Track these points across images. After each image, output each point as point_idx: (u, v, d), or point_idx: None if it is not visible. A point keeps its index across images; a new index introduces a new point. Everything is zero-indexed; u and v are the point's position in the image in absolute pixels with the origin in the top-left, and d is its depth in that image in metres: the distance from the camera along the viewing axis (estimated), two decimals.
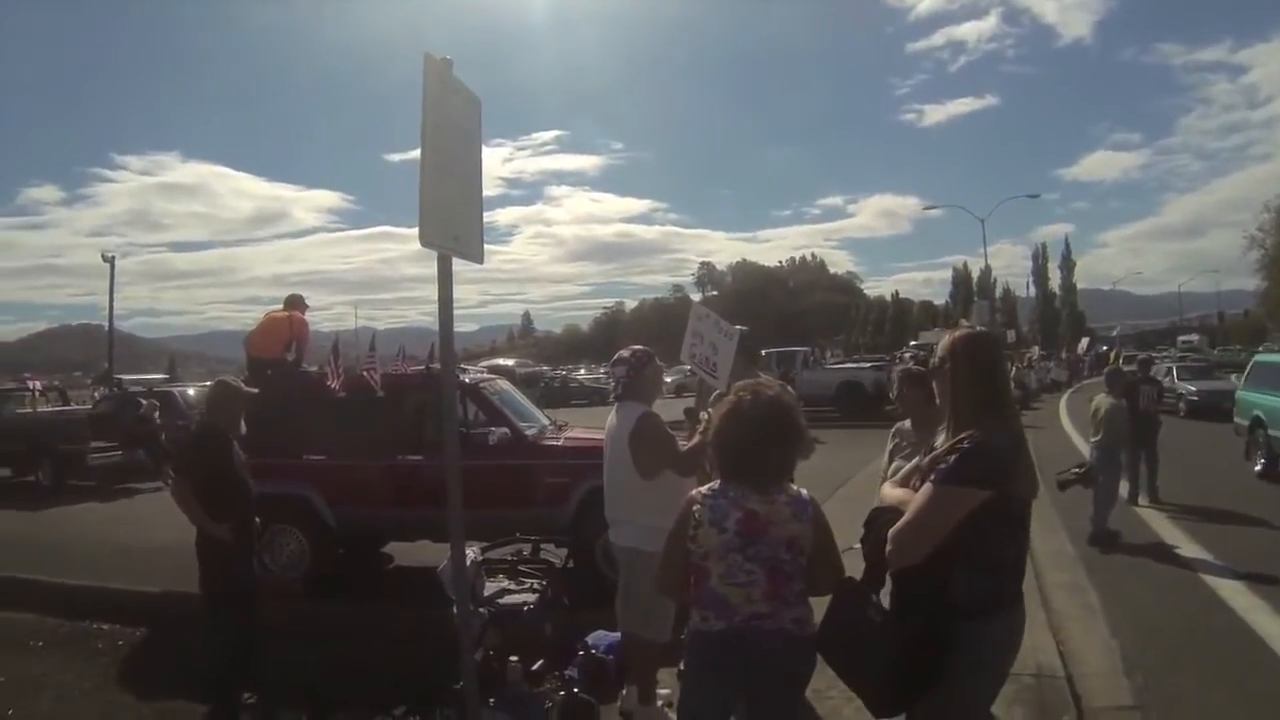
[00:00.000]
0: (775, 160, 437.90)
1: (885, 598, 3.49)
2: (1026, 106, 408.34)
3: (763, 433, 3.67)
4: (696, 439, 5.33)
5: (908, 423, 6.13)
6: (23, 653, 8.21)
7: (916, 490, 3.28)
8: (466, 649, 4.87)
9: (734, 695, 3.77)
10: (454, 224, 4.55)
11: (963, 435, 3.20)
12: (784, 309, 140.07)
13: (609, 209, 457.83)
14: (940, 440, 3.42)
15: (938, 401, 3.56)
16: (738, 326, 6.77)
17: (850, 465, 14.94)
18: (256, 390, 7.15)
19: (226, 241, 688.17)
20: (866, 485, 13.15)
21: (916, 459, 3.70)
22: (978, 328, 3.81)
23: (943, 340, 3.60)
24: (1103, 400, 11.67)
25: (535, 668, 6.11)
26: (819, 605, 3.63)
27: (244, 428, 7.07)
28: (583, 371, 71.31)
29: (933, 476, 3.18)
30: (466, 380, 9.90)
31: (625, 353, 5.86)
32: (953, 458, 3.15)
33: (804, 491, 3.72)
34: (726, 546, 3.59)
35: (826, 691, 5.42)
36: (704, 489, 3.78)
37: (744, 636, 3.58)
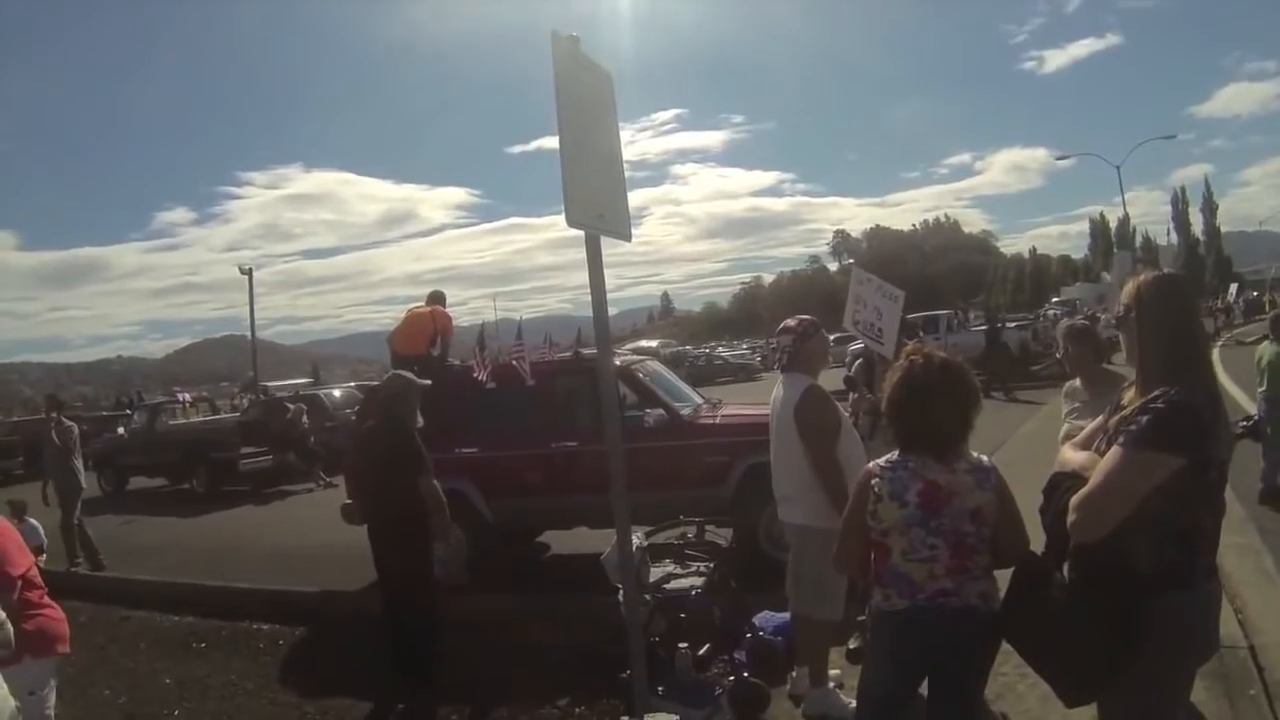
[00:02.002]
0: (898, 121, 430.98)
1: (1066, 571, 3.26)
2: (1151, 42, 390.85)
3: (938, 397, 3.49)
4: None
5: (1078, 381, 5.86)
6: (187, 654, 8.40)
7: (1101, 454, 3.01)
8: (633, 637, 4.78)
9: (919, 675, 3.65)
10: (598, 203, 4.47)
11: (1155, 394, 2.90)
12: (921, 273, 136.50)
13: (737, 184, 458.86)
14: (1128, 397, 3.14)
15: (1112, 356, 3.31)
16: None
17: (1003, 427, 14.57)
18: (429, 382, 7.18)
19: (358, 245, 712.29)
20: (1022, 448, 12.82)
21: (1100, 418, 3.37)
22: (1166, 270, 3.49)
23: (1127, 286, 3.27)
24: (1266, 348, 11.03)
25: (703, 653, 6.01)
26: (1003, 580, 3.44)
27: (420, 420, 7.14)
28: (721, 348, 71.09)
29: (1121, 440, 2.88)
30: (619, 364, 9.77)
31: (791, 322, 5.65)
32: (1144, 419, 2.85)
33: (985, 458, 3.55)
34: (908, 521, 3.44)
35: (999, 667, 5.14)
36: (882, 461, 3.62)
37: (929, 614, 3.44)
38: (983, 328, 32.87)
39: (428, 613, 6.84)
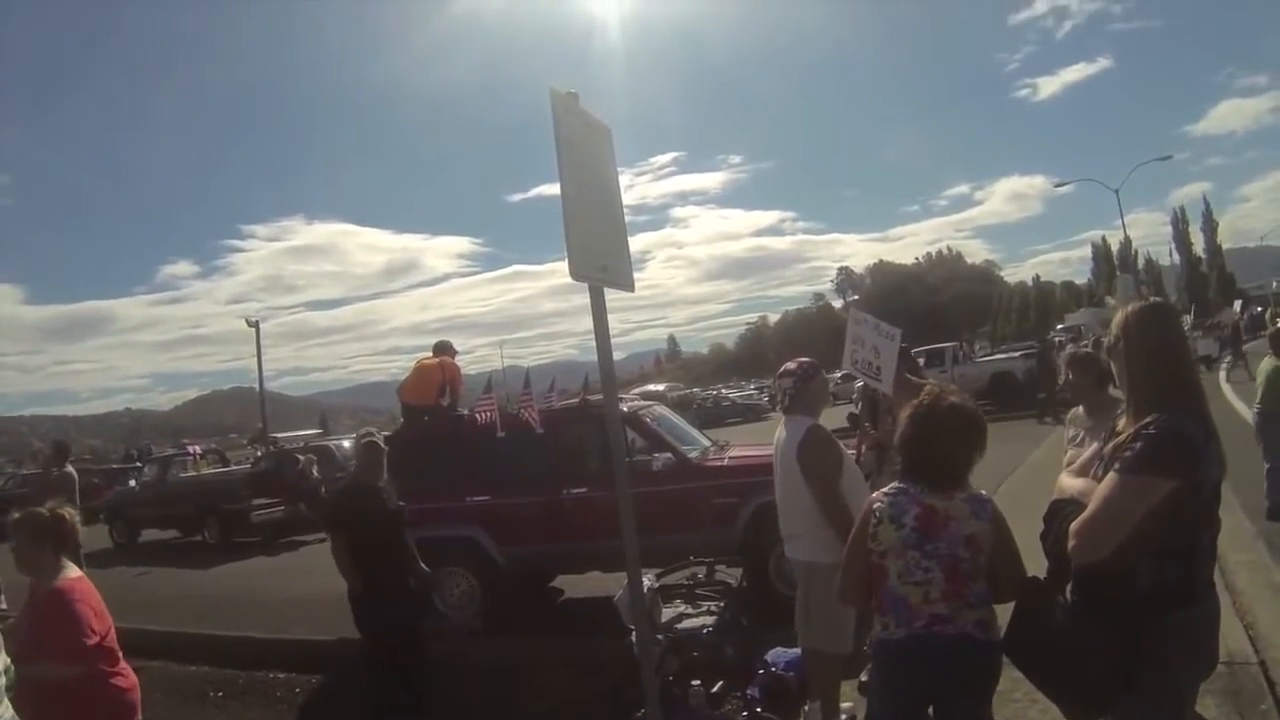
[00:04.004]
0: (895, 155, 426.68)
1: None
2: (1141, 64, 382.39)
3: (944, 438, 3.61)
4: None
5: (1081, 408, 5.94)
6: (204, 704, 8.52)
7: (1098, 479, 3.10)
8: (647, 676, 4.83)
9: (921, 704, 3.70)
10: (601, 254, 4.56)
11: (1147, 420, 3.00)
12: (925, 305, 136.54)
13: (738, 225, 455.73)
14: (1121, 424, 3.23)
15: (1116, 382, 3.42)
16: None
17: (1011, 459, 14.58)
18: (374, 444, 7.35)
19: (362, 296, 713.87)
20: (1029, 479, 12.85)
21: (1095, 445, 3.49)
22: (1152, 299, 3.59)
23: (1115, 316, 3.39)
24: (1267, 363, 11.13)
25: (716, 690, 6.07)
26: (1004, 608, 3.52)
27: (385, 475, 7.37)
28: (723, 389, 70.99)
29: (1117, 465, 2.98)
30: (625, 409, 9.73)
31: (792, 364, 5.75)
32: (1138, 445, 2.95)
33: (983, 491, 3.67)
34: (904, 543, 3.56)
35: (1010, 694, 5.20)
36: (885, 489, 3.77)
37: (926, 643, 3.52)
38: (1031, 351, 32.71)
39: (376, 667, 7.05)
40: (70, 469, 13.16)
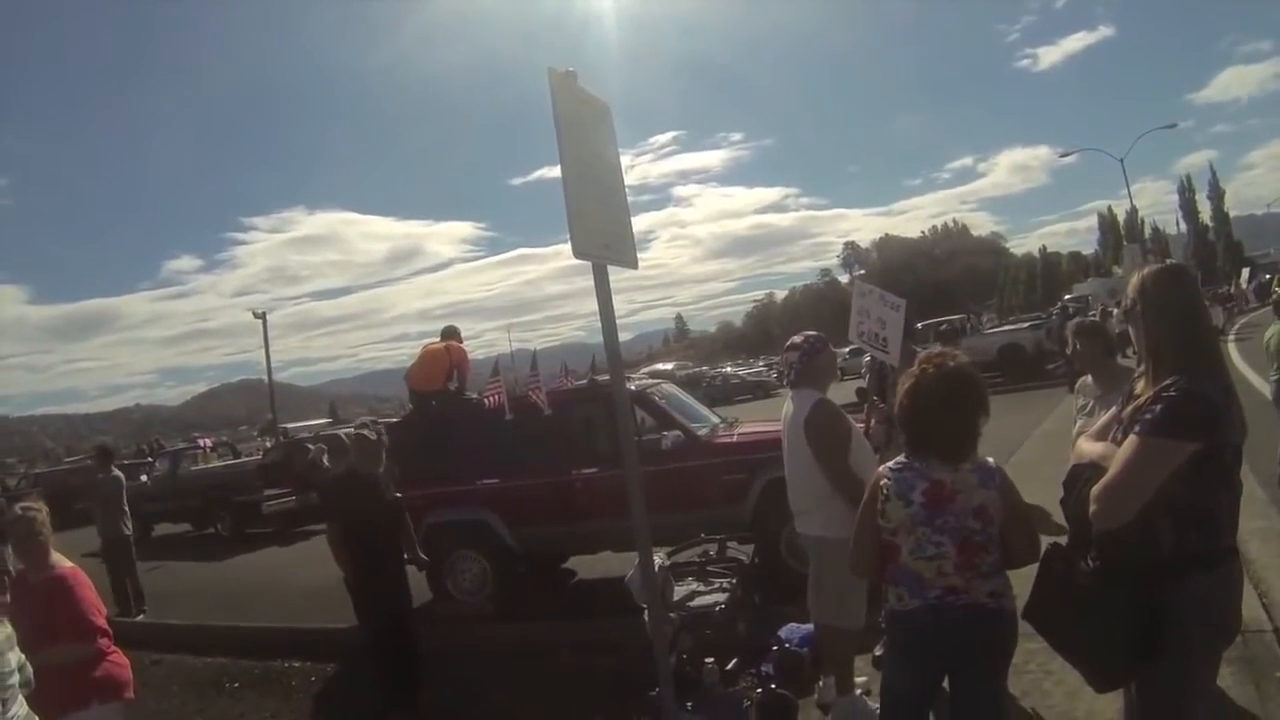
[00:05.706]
0: (897, 129, 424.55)
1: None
2: (1143, 31, 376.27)
3: (943, 407, 3.57)
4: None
5: (1089, 378, 5.91)
6: (220, 695, 8.50)
7: (1117, 443, 3.07)
8: (660, 655, 4.82)
9: (936, 675, 3.71)
10: (603, 233, 4.54)
11: (1167, 382, 2.97)
12: (932, 279, 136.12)
13: (740, 202, 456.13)
14: (1140, 387, 3.20)
15: (1124, 351, 3.39)
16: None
17: (1020, 429, 14.54)
18: (368, 436, 7.30)
19: (367, 284, 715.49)
20: (1040, 449, 12.82)
21: (1114, 409, 3.43)
22: (1168, 261, 3.55)
23: (1132, 279, 3.37)
24: (1275, 329, 11.03)
25: (730, 667, 6.07)
26: (1025, 575, 3.48)
27: (382, 465, 7.34)
28: (729, 368, 70.82)
29: (1137, 429, 2.95)
30: (633, 388, 9.79)
31: (798, 338, 5.67)
32: (1158, 408, 2.92)
33: (990, 459, 3.63)
34: (914, 519, 3.53)
35: (1024, 666, 5.21)
36: (891, 463, 3.73)
37: (939, 613, 3.52)
38: (1039, 322, 32.55)
39: (377, 654, 7.09)
40: (117, 471, 13.25)
